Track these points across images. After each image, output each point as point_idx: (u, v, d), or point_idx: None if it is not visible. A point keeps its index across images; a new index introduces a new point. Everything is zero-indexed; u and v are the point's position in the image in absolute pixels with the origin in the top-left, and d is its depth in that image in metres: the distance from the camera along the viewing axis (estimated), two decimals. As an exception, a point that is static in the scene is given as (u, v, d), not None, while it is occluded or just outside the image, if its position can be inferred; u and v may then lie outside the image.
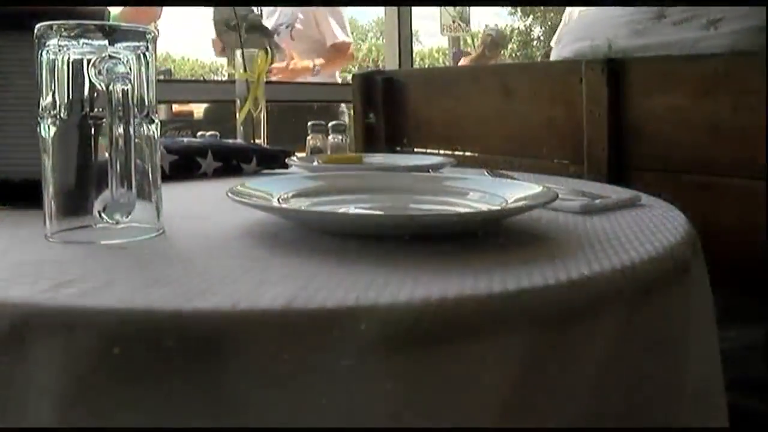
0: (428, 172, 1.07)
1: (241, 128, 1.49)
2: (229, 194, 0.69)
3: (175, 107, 3.97)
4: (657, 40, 1.41)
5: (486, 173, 1.04)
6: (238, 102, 1.51)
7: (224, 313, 0.44)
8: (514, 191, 0.74)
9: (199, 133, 1.87)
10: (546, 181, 0.94)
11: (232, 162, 1.17)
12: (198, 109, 4.14)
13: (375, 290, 0.47)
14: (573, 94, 1.41)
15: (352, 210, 0.77)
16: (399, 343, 0.44)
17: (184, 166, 1.12)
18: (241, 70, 1.52)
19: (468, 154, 1.70)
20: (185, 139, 1.32)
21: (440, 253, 0.59)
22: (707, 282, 0.71)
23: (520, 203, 0.71)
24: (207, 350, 0.43)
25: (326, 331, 0.44)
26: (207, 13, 3.77)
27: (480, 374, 0.47)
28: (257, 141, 1.49)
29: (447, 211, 0.75)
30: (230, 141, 1.44)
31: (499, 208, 0.71)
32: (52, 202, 0.63)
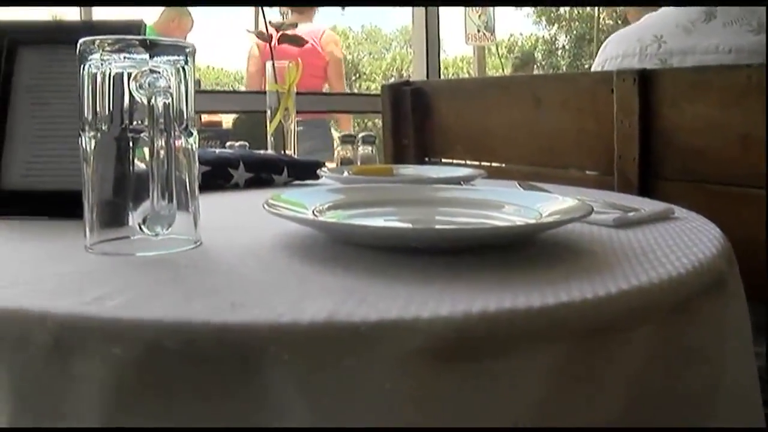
0: (460, 184, 1.07)
1: (272, 139, 1.50)
2: (265, 206, 0.70)
3: (205, 117, 4.00)
4: (705, 41, 1.40)
5: (518, 185, 1.04)
6: (268, 113, 1.51)
7: (269, 325, 0.44)
8: (549, 205, 0.74)
9: (228, 144, 1.88)
10: (577, 193, 0.94)
11: (263, 173, 1.18)
12: (227, 120, 4.17)
13: (415, 304, 0.47)
14: (603, 105, 1.40)
15: (383, 223, 0.78)
16: (441, 357, 0.44)
17: (216, 177, 1.13)
18: (272, 81, 1.52)
19: (495, 165, 1.69)
20: (216, 150, 1.33)
21: (477, 267, 0.59)
22: (743, 294, 0.71)
23: (555, 217, 0.71)
24: (250, 363, 0.44)
25: (369, 344, 0.44)
26: (231, 21, 3.78)
27: (517, 386, 0.47)
28: (288, 152, 1.49)
29: (483, 225, 0.75)
30: (261, 152, 1.44)
31: (534, 221, 0.71)
32: (92, 214, 0.64)
